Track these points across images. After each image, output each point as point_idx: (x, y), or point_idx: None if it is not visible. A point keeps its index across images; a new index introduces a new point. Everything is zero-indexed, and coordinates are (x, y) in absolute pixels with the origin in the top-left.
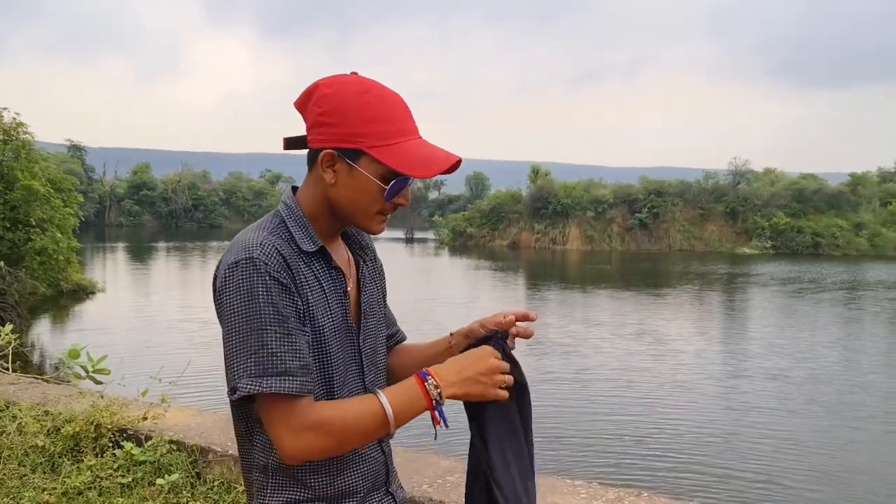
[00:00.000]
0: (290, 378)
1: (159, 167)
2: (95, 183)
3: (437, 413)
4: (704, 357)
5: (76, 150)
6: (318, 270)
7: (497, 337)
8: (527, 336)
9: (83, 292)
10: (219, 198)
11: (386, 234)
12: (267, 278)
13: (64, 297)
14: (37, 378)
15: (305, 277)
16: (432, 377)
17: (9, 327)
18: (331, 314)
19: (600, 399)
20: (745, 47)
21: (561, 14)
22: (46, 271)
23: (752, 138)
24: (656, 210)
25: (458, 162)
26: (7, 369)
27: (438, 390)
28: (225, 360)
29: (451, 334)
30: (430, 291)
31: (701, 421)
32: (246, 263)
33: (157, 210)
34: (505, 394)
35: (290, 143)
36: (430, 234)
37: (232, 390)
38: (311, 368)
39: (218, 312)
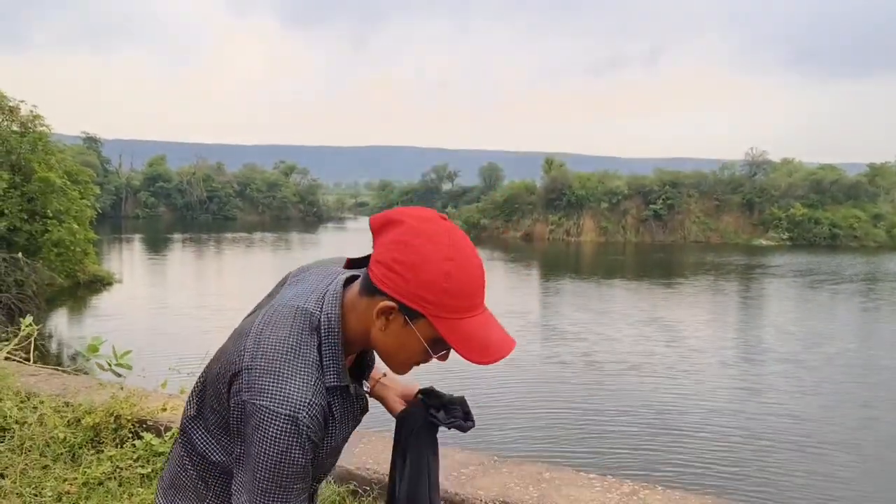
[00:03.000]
0: None
1: (174, 159)
2: (111, 175)
3: None
4: (719, 345)
5: (92, 141)
6: (339, 399)
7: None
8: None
9: (100, 283)
10: (233, 189)
11: None
12: (306, 442)
13: (81, 288)
14: (57, 369)
15: (331, 412)
16: None
17: (29, 319)
18: (340, 434)
19: (614, 389)
20: (765, 37)
21: (580, 3)
22: (64, 262)
23: (770, 129)
24: (671, 201)
25: (512, 348)
26: (28, 360)
27: None
28: (240, 473)
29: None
30: None
31: (716, 409)
32: (287, 423)
33: (173, 202)
34: None
35: (354, 262)
36: None
37: None
38: None
39: (240, 433)
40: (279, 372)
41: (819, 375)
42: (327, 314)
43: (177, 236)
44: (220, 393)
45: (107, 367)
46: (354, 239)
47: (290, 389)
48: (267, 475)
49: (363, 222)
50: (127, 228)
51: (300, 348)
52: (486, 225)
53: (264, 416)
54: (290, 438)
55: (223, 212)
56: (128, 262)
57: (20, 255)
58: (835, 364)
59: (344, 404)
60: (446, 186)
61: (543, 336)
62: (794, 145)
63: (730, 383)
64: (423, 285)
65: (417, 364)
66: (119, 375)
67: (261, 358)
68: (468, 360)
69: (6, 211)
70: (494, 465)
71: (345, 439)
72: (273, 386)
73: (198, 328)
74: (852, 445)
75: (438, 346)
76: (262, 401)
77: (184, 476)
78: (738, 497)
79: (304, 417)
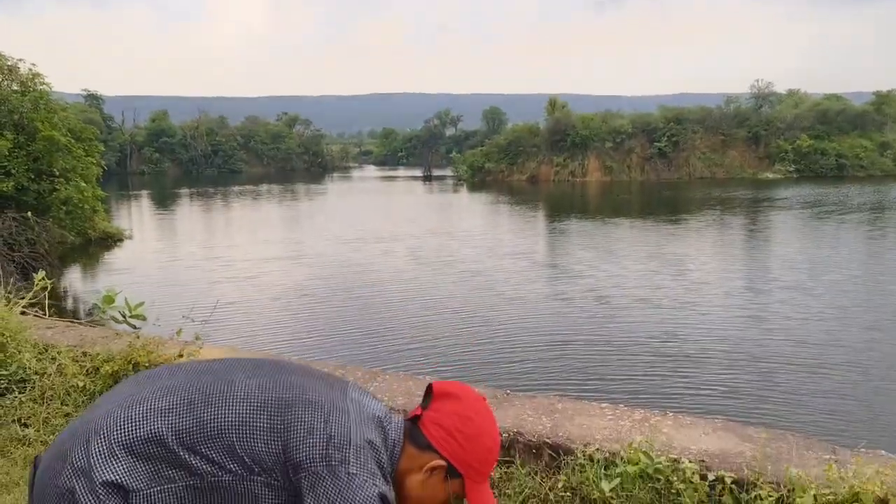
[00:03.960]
0: None
1: (176, 114)
2: (115, 131)
3: None
4: (724, 277)
5: (93, 99)
6: None
7: None
8: None
9: (111, 240)
10: (237, 143)
11: (404, 172)
12: None
13: (92, 246)
14: (73, 321)
15: None
16: None
17: (42, 273)
18: None
19: (621, 323)
20: None
21: None
22: (73, 220)
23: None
24: (676, 138)
25: None
26: (44, 314)
27: None
28: None
29: None
30: (449, 227)
31: (723, 338)
32: (381, 499)
33: (178, 157)
34: None
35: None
36: (447, 172)
37: None
38: None
39: (323, 496)
40: (381, 464)
41: (824, 302)
42: (393, 440)
43: (184, 191)
44: (290, 439)
45: (122, 319)
46: (361, 187)
47: (385, 484)
48: None
49: (368, 171)
50: (134, 185)
51: (385, 457)
52: (490, 169)
53: (375, 494)
54: None
55: (228, 165)
56: (137, 218)
57: (30, 214)
58: (840, 290)
59: None
60: (450, 131)
61: (550, 275)
62: (801, 77)
63: (736, 313)
64: (474, 455)
65: None
66: (135, 327)
67: (369, 444)
68: None
69: (13, 171)
70: (507, 398)
71: None
72: (379, 474)
73: (208, 279)
74: (859, 366)
75: (457, 501)
76: (376, 482)
77: None
78: (746, 419)
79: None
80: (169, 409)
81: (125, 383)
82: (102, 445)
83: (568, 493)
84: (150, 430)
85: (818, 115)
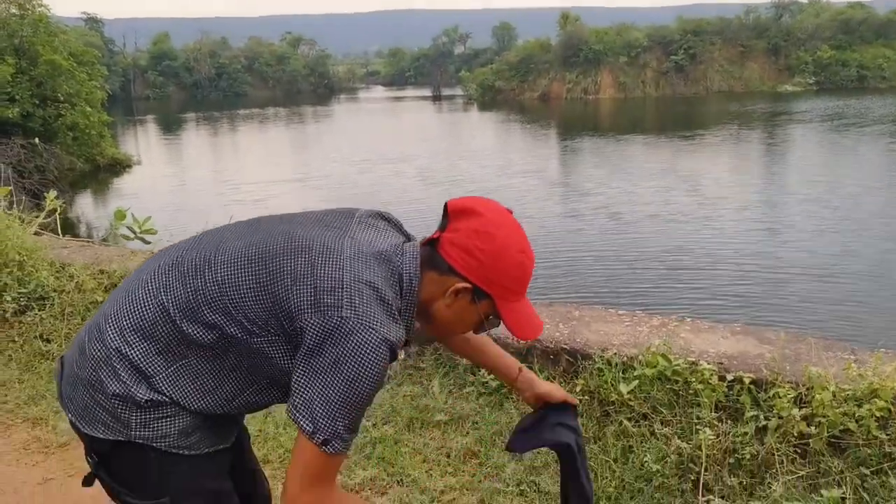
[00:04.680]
0: (351, 441)
1: (177, 36)
2: (117, 56)
3: None
4: (740, 191)
5: (93, 22)
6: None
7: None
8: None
9: (120, 166)
10: (241, 65)
11: (412, 92)
12: (385, 366)
13: (102, 172)
14: (87, 241)
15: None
16: None
17: (53, 192)
18: None
19: (635, 236)
20: None
21: None
22: (81, 146)
23: None
24: (693, 51)
25: (542, 328)
26: (57, 236)
27: None
28: (306, 387)
29: (520, 369)
30: (458, 146)
31: (736, 249)
32: (387, 350)
33: (182, 80)
34: None
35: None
36: (457, 91)
37: (321, 440)
38: None
39: (319, 348)
40: (385, 303)
41: (840, 214)
42: (409, 273)
43: (190, 115)
44: (279, 290)
45: (133, 236)
46: (369, 109)
47: (393, 320)
48: (349, 390)
49: (375, 92)
50: (139, 110)
51: (391, 292)
52: (501, 87)
53: (372, 338)
54: (383, 363)
55: (233, 88)
56: (144, 143)
57: (37, 140)
58: (856, 203)
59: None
60: (458, 50)
61: (561, 193)
62: None
63: (750, 226)
64: (499, 272)
65: (463, 333)
66: (147, 242)
67: (367, 286)
68: (515, 335)
69: (17, 97)
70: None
71: None
72: (381, 313)
73: (218, 202)
74: (873, 275)
75: (492, 322)
76: (373, 323)
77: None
78: (763, 323)
79: (395, 343)
80: (166, 286)
81: (129, 276)
82: (115, 333)
83: (586, 397)
84: (155, 309)
85: (840, 24)
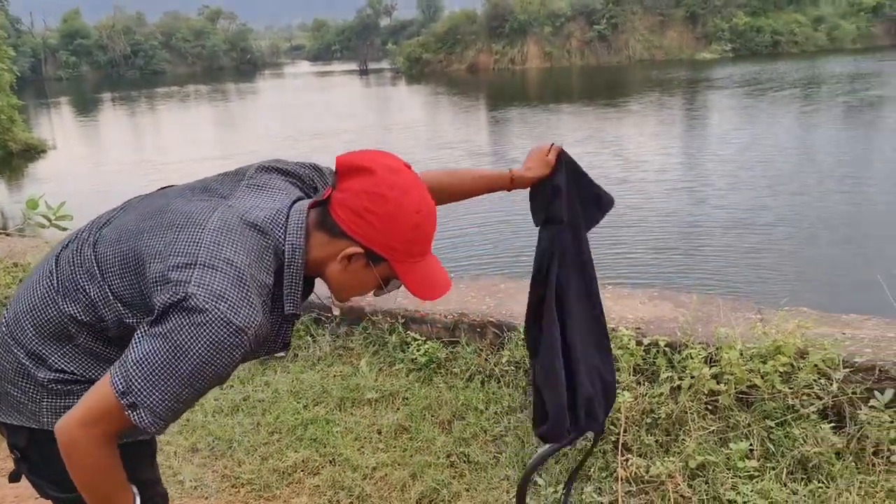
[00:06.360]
0: (161, 421)
1: (89, 12)
2: (25, 35)
3: None
4: (659, 154)
5: None
6: (286, 326)
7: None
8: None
9: (34, 151)
10: (157, 41)
11: (339, 66)
12: (237, 357)
13: (15, 158)
14: (3, 232)
15: (265, 336)
16: None
17: None
18: (253, 357)
19: None
20: None
21: None
22: None
23: None
24: (615, 20)
25: (450, 287)
26: None
27: None
28: (132, 348)
29: (511, 172)
30: (387, 120)
31: (655, 208)
32: (234, 335)
33: (96, 59)
34: None
35: (319, 201)
36: (385, 64)
37: (128, 402)
38: None
39: (164, 316)
40: (243, 284)
41: (755, 172)
42: (292, 244)
43: (106, 95)
44: (140, 268)
45: (48, 224)
46: (294, 84)
47: (249, 304)
48: (186, 370)
49: (301, 67)
50: (51, 92)
51: (261, 268)
52: (428, 59)
53: (216, 318)
54: (230, 349)
55: (150, 66)
56: (59, 127)
57: None
58: (769, 161)
59: (280, 331)
60: (384, 22)
61: (489, 163)
62: None
63: (669, 186)
64: (393, 235)
65: (362, 295)
66: (63, 229)
67: (224, 263)
68: (417, 296)
69: None
70: (451, 281)
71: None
72: (235, 294)
73: (139, 183)
74: (786, 227)
75: (394, 284)
76: (220, 305)
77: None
78: (681, 281)
79: (251, 336)
80: (57, 266)
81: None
82: (11, 318)
83: (511, 367)
84: (43, 291)
85: None
